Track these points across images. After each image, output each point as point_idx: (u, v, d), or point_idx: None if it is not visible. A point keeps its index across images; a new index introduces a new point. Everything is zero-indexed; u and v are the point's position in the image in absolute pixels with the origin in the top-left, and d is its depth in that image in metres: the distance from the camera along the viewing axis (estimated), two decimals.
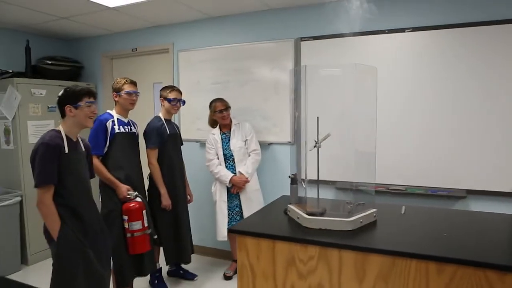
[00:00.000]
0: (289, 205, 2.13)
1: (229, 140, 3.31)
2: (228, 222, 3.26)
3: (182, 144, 3.37)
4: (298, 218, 1.98)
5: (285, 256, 1.81)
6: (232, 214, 3.28)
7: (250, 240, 1.88)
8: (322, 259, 1.73)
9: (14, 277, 3.45)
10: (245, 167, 3.24)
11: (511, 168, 2.79)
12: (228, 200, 3.29)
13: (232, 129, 3.33)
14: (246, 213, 3.20)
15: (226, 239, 3.24)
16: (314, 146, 2.06)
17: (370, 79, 2.04)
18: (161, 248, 3.22)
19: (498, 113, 2.80)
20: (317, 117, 2.04)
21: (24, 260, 3.76)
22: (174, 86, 3.23)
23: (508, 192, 2.80)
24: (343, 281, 1.71)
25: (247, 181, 3.22)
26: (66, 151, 2.09)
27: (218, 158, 3.30)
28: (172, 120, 3.33)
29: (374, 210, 2.01)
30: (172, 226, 3.16)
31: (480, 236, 1.83)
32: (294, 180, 2.20)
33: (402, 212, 2.19)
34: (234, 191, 3.25)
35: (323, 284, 1.75)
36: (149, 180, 3.17)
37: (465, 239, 1.77)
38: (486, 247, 1.65)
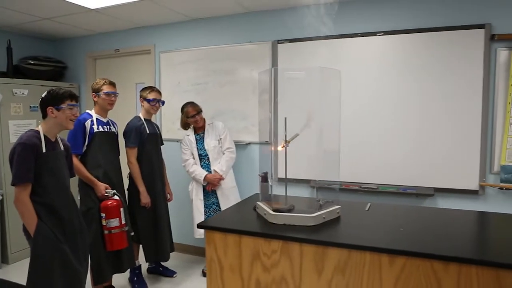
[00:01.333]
0: (257, 202, 2.22)
1: (203, 140, 3.39)
2: (205, 220, 3.33)
3: (162, 144, 3.44)
4: (265, 214, 2.07)
5: (250, 250, 1.89)
6: (210, 211, 3.36)
7: (218, 235, 1.96)
8: (285, 253, 1.82)
9: None
10: (219, 165, 3.32)
11: (475, 166, 2.92)
12: (204, 198, 3.37)
13: (205, 129, 3.42)
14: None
15: (203, 236, 3.30)
16: (282, 146, 2.15)
17: (334, 82, 2.14)
18: (141, 246, 3.30)
19: (463, 115, 2.93)
20: (285, 118, 2.13)
21: (4, 259, 3.80)
22: (154, 87, 3.30)
23: (472, 189, 2.93)
24: (303, 273, 1.80)
25: (221, 179, 3.31)
26: (44, 150, 2.16)
27: (193, 158, 3.37)
28: (153, 120, 3.40)
29: (338, 206, 2.11)
30: (151, 224, 3.23)
31: (434, 230, 1.95)
32: (264, 178, 2.28)
33: (366, 209, 2.30)
34: (209, 188, 3.33)
35: (285, 276, 1.84)
36: (128, 179, 3.23)
37: (419, 233, 1.88)
38: (436, 240, 1.75)
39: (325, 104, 2.09)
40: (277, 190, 2.95)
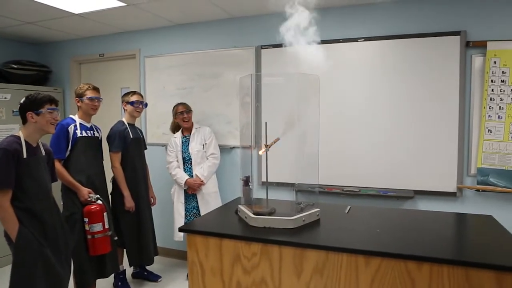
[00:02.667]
0: (239, 206, 2.25)
1: (188, 143, 3.42)
2: (185, 223, 3.36)
3: (145, 148, 3.45)
4: (246, 217, 2.10)
5: (231, 253, 1.92)
6: (190, 215, 3.39)
7: (199, 238, 1.98)
8: (264, 255, 1.86)
9: None
10: (201, 170, 3.35)
11: (453, 170, 3.00)
12: (185, 202, 3.40)
13: (192, 133, 3.44)
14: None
15: (182, 239, 3.34)
16: (262, 151, 2.19)
17: (313, 87, 2.19)
18: (125, 250, 3.29)
19: (441, 119, 3.01)
20: (265, 122, 2.18)
21: None
22: (135, 91, 3.33)
23: (451, 191, 3.01)
24: (283, 275, 1.83)
25: (201, 184, 3.34)
26: (24, 156, 2.16)
27: (177, 161, 3.40)
28: (137, 125, 3.40)
29: (317, 209, 2.15)
30: (135, 228, 3.23)
31: (410, 231, 2.00)
32: (245, 182, 2.32)
33: (346, 212, 2.34)
34: (189, 192, 3.37)
35: (265, 278, 1.87)
36: (112, 183, 3.23)
37: (395, 235, 1.93)
38: (411, 241, 1.81)
39: (304, 109, 2.14)
40: (260, 193, 2.98)
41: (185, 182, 3.31)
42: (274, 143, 2.20)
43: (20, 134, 2.21)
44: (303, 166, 2.24)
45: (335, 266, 1.75)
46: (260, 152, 2.21)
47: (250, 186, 2.22)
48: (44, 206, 2.25)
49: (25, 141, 2.20)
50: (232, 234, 1.93)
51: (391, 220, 2.25)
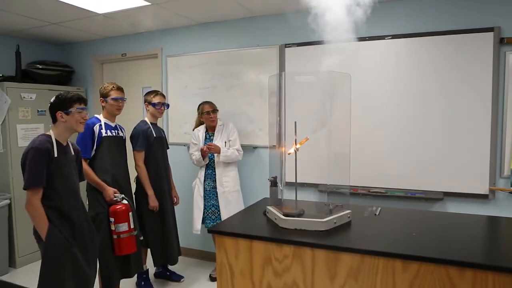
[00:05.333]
0: (267, 207, 2.21)
1: (211, 141, 3.38)
2: (203, 219, 3.36)
3: (168, 148, 3.45)
4: (275, 219, 2.06)
5: (261, 255, 1.89)
6: (208, 213, 3.38)
7: (228, 240, 1.95)
8: (296, 258, 1.82)
9: (2, 279, 3.49)
10: (225, 148, 3.32)
11: (485, 171, 2.90)
12: (205, 199, 3.38)
13: (216, 130, 3.41)
14: (224, 213, 3.26)
15: (199, 232, 3.34)
16: (289, 153, 2.14)
17: (344, 85, 2.13)
18: (148, 250, 3.29)
19: (472, 118, 2.91)
20: (295, 122, 2.13)
21: (12, 263, 3.80)
22: (158, 91, 3.32)
23: (482, 194, 2.91)
24: (316, 279, 1.79)
25: (217, 148, 3.27)
26: (55, 155, 2.17)
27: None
28: (159, 124, 3.40)
29: (349, 211, 2.09)
30: (159, 228, 3.23)
31: (446, 235, 1.93)
32: (273, 183, 2.28)
33: (377, 214, 2.28)
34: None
35: (297, 282, 1.83)
36: (136, 183, 3.24)
37: (432, 238, 1.86)
38: (449, 245, 1.74)
39: (334, 108, 2.09)
40: (285, 194, 2.92)
41: (201, 149, 3.29)
42: (304, 142, 2.16)
43: (51, 133, 2.23)
44: (332, 167, 2.19)
45: (370, 271, 1.69)
46: (290, 151, 2.16)
47: (280, 187, 2.17)
48: (73, 205, 2.26)
49: (55, 140, 2.21)
50: (262, 236, 1.90)
51: (424, 223, 2.17)
